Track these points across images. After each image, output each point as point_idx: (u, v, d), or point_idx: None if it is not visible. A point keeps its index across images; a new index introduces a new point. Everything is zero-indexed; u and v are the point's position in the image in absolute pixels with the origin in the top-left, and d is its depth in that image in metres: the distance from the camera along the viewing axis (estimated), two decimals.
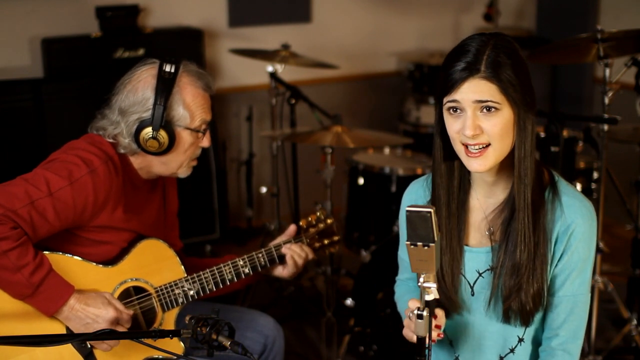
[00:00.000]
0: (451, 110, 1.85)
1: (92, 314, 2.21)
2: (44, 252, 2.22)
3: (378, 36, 5.22)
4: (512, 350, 1.98)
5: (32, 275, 2.13)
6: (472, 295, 1.98)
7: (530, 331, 1.97)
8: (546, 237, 1.89)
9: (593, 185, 3.73)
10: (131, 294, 2.37)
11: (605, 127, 3.19)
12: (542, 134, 3.08)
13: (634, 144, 3.83)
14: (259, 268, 2.50)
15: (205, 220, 4.35)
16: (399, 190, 3.67)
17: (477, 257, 1.97)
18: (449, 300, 1.98)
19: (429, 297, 1.66)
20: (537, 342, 1.99)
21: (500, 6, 4.98)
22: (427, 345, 1.70)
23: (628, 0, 4.97)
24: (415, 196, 2.07)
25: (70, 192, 2.19)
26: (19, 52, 4.27)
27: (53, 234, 2.23)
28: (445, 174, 1.96)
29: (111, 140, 2.34)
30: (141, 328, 2.37)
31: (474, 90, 1.80)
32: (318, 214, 2.64)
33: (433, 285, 1.66)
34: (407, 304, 1.86)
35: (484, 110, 1.81)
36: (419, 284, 1.66)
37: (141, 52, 4.21)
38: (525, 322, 1.93)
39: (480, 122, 1.82)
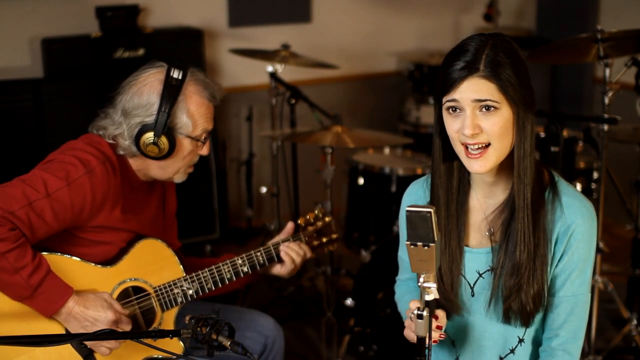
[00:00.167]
0: (450, 109, 1.85)
1: (91, 317, 2.21)
2: (43, 252, 2.22)
3: (378, 36, 5.22)
4: (512, 351, 1.98)
5: (30, 277, 2.13)
6: (472, 296, 1.98)
7: (530, 331, 1.97)
8: (546, 238, 1.89)
9: (593, 185, 3.73)
10: (130, 294, 2.37)
11: (605, 127, 3.19)
12: (542, 134, 3.08)
13: (634, 144, 3.83)
14: (258, 267, 2.50)
15: (205, 220, 4.35)
16: (399, 190, 3.67)
17: (477, 257, 1.97)
18: (449, 301, 1.98)
19: (429, 297, 1.66)
20: (537, 343, 1.99)
21: (500, 6, 4.98)
22: (427, 345, 1.70)
23: (628, 0, 4.97)
24: (415, 197, 2.07)
25: (68, 193, 2.19)
26: (19, 52, 4.27)
27: (51, 235, 2.23)
28: (445, 175, 1.96)
29: (110, 141, 2.34)
30: (141, 328, 2.37)
31: (473, 89, 1.80)
32: (316, 212, 2.64)
33: (433, 285, 1.66)
34: (408, 304, 1.86)
35: (483, 109, 1.81)
36: (419, 284, 1.66)
37: (141, 52, 4.21)
38: (526, 323, 1.93)
39: (479, 121, 1.82)
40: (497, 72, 1.80)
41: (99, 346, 2.23)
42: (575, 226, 1.88)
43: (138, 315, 2.36)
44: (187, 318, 1.96)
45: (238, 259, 2.47)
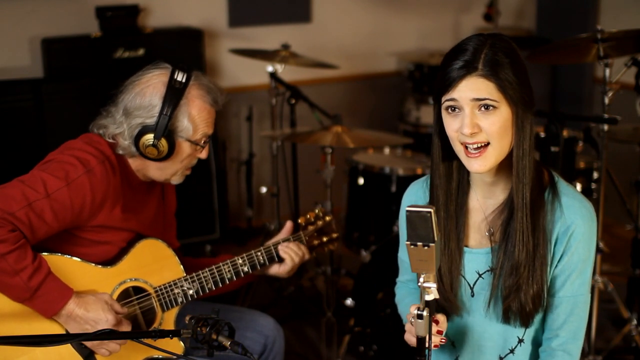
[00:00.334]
0: (449, 109, 1.85)
1: (91, 319, 2.21)
2: (43, 253, 2.22)
3: (378, 36, 5.22)
4: (512, 351, 1.98)
5: (30, 278, 2.13)
6: (472, 296, 1.98)
7: (530, 332, 1.97)
8: (546, 238, 1.89)
9: (593, 185, 3.73)
10: (130, 294, 2.37)
11: (605, 127, 3.19)
12: (542, 134, 3.08)
13: (634, 144, 3.83)
14: (258, 266, 2.50)
15: (205, 220, 4.35)
16: (399, 190, 3.67)
17: (477, 258, 1.97)
18: (448, 302, 1.98)
19: (429, 297, 1.66)
20: (537, 343, 1.99)
21: (500, 6, 4.98)
22: (427, 346, 1.70)
23: (628, 0, 4.97)
24: (415, 197, 2.07)
25: (68, 193, 2.19)
26: (19, 52, 4.27)
27: (51, 235, 2.23)
28: (444, 175, 1.96)
29: (110, 140, 2.34)
30: (141, 328, 2.37)
31: (471, 88, 1.80)
32: (317, 211, 2.64)
33: (433, 285, 1.66)
34: (408, 307, 1.86)
35: (482, 108, 1.81)
36: (419, 284, 1.66)
37: (141, 52, 4.21)
38: (525, 323, 1.93)
39: (478, 120, 1.82)
40: (495, 71, 1.80)
41: (99, 348, 2.23)
42: (575, 227, 1.88)
43: (138, 316, 2.36)
44: (187, 318, 1.96)
45: (238, 259, 2.47)
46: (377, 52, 5.25)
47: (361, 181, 3.88)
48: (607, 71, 3.13)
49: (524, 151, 1.85)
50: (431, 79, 4.87)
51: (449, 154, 1.93)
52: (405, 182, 3.16)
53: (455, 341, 2.04)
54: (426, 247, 1.61)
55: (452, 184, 1.97)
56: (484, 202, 1.97)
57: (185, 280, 2.41)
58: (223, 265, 2.45)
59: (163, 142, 2.29)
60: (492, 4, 4.92)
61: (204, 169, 4.22)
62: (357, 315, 3.50)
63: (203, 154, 2.40)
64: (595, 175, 3.73)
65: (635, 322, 3.43)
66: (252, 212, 4.90)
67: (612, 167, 3.55)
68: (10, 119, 3.88)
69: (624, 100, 3.36)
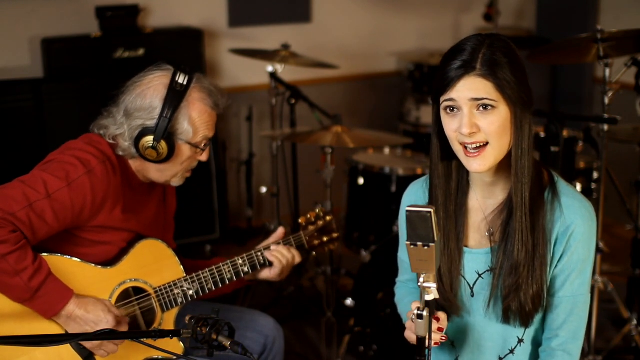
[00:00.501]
0: (448, 109, 1.85)
1: (91, 320, 2.21)
2: (43, 253, 2.22)
3: (378, 36, 5.22)
4: (511, 351, 1.98)
5: (30, 279, 2.13)
6: (472, 296, 1.98)
7: (530, 332, 1.97)
8: (545, 238, 1.89)
9: (593, 185, 3.73)
10: (130, 295, 2.37)
11: (605, 127, 3.19)
12: (542, 134, 3.08)
13: (634, 144, 3.83)
14: (259, 267, 2.50)
15: (205, 220, 4.35)
16: (399, 190, 3.67)
17: (476, 258, 1.97)
18: (448, 302, 1.98)
19: (429, 297, 1.66)
20: (536, 343, 1.99)
21: (500, 6, 4.98)
22: (427, 346, 1.70)
23: (628, 0, 4.97)
24: (415, 197, 2.07)
25: (68, 193, 2.19)
26: (19, 52, 4.27)
27: (52, 235, 2.23)
28: (443, 175, 1.96)
29: (111, 141, 2.34)
30: (141, 328, 2.37)
31: (469, 88, 1.80)
32: (317, 211, 2.64)
33: (433, 285, 1.66)
34: (408, 306, 1.86)
35: (481, 108, 1.81)
36: (419, 284, 1.66)
37: (141, 52, 4.21)
38: (525, 323, 1.93)
39: (477, 120, 1.82)
40: (494, 71, 1.80)
41: (98, 349, 2.23)
42: (575, 227, 1.88)
43: (138, 316, 2.36)
44: (187, 318, 1.96)
45: (238, 259, 2.47)
46: (377, 52, 5.25)
47: (361, 181, 3.88)
48: (607, 71, 3.13)
49: (523, 150, 1.85)
50: (431, 79, 4.86)
51: (448, 154, 1.93)
52: (405, 182, 3.16)
53: (455, 341, 2.04)
54: (426, 247, 1.61)
55: (452, 184, 1.97)
56: (483, 202, 1.97)
57: (185, 280, 2.40)
58: (223, 265, 2.45)
59: (163, 145, 2.29)
60: (492, 4, 4.92)
61: (204, 169, 4.22)
62: (357, 315, 3.50)
63: (203, 157, 2.40)
64: (595, 175, 3.73)
65: (635, 322, 3.43)
66: (252, 212, 4.90)
67: (612, 167, 3.55)
68: (10, 119, 3.88)
69: (624, 100, 3.36)
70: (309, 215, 2.63)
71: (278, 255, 2.50)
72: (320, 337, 3.59)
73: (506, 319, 1.93)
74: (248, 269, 2.48)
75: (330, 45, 5.01)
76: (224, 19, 4.77)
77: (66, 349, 2.23)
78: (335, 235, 2.66)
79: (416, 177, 2.39)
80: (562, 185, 1.94)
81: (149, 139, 2.28)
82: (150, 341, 2.03)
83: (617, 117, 3.06)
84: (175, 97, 2.28)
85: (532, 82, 1.88)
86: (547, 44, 3.76)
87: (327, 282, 3.49)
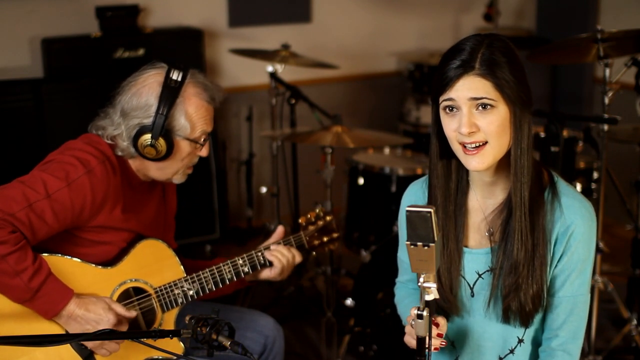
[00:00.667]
0: (447, 109, 1.85)
1: (92, 319, 2.21)
2: (43, 254, 2.22)
3: (378, 36, 5.22)
4: (511, 351, 1.98)
5: (30, 280, 2.13)
6: (472, 296, 1.98)
7: (530, 332, 1.97)
8: (545, 238, 1.89)
9: (593, 185, 3.73)
10: (131, 295, 2.37)
11: (605, 127, 3.19)
12: (542, 134, 3.08)
13: (634, 144, 3.83)
14: (259, 267, 2.50)
15: (205, 220, 4.35)
16: (399, 190, 3.67)
17: (476, 258, 1.97)
18: (448, 302, 1.98)
19: (428, 297, 1.66)
20: (536, 343, 1.99)
21: (500, 6, 4.98)
22: (427, 346, 1.70)
23: (628, 0, 4.97)
24: (415, 197, 2.07)
25: (68, 193, 2.19)
26: (19, 52, 4.27)
27: (52, 236, 2.22)
28: (442, 175, 1.96)
29: (109, 142, 2.34)
30: (141, 328, 2.37)
31: (468, 88, 1.80)
32: (317, 211, 2.64)
33: (433, 285, 1.66)
34: (407, 307, 1.86)
35: (480, 107, 1.81)
36: (419, 284, 1.66)
37: (141, 52, 4.21)
38: (525, 323, 1.93)
39: (476, 119, 1.82)
40: (492, 70, 1.80)
41: (99, 348, 2.23)
42: (575, 227, 1.88)
43: (138, 316, 2.36)
44: (187, 318, 1.96)
45: (239, 259, 2.47)
46: (377, 52, 5.25)
47: (361, 181, 3.88)
48: (607, 71, 3.13)
49: (522, 150, 1.85)
50: (431, 79, 4.86)
51: (447, 154, 1.93)
52: (405, 182, 3.16)
53: (455, 341, 2.04)
54: (426, 247, 1.61)
55: (451, 185, 1.97)
56: (483, 202, 1.97)
57: (186, 280, 2.40)
58: (223, 265, 2.45)
59: (161, 142, 2.29)
60: (492, 4, 4.93)
61: (204, 169, 4.22)
62: (357, 315, 3.50)
63: (203, 152, 2.40)
64: (595, 175, 3.73)
65: (635, 322, 3.43)
66: (252, 212, 4.90)
67: (612, 167, 3.55)
68: (10, 119, 3.88)
69: (624, 100, 3.36)
70: (309, 215, 2.63)
71: (278, 254, 2.50)
72: (320, 337, 3.59)
73: (506, 318, 1.93)
74: (248, 269, 2.48)
75: (330, 45, 5.01)
76: (224, 19, 4.77)
77: (66, 349, 2.23)
78: (335, 235, 2.66)
79: (416, 177, 2.39)
80: (562, 185, 1.94)
81: (147, 137, 2.28)
82: (150, 341, 2.03)
83: (617, 117, 3.06)
84: (170, 94, 2.28)
85: (532, 82, 1.88)
86: (547, 44, 3.76)
87: (327, 282, 3.49)
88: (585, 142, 3.58)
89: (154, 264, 2.39)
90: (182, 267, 2.43)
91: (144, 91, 2.29)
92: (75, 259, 2.28)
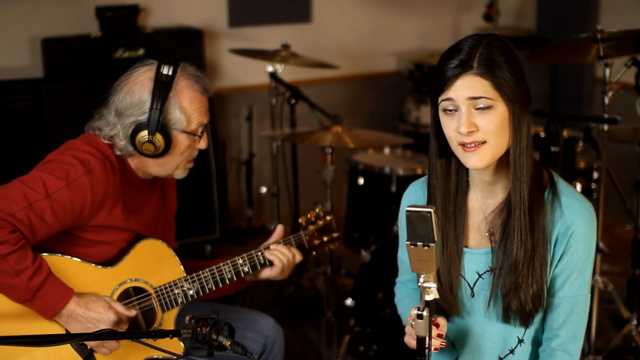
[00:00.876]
0: (446, 110, 1.85)
1: (93, 318, 2.21)
2: (43, 254, 2.22)
3: (378, 36, 5.22)
4: (511, 351, 1.98)
5: (30, 279, 2.13)
6: (472, 296, 1.98)
7: (530, 332, 1.97)
8: (545, 238, 1.89)
9: (593, 185, 3.73)
10: (131, 295, 2.37)
11: (605, 127, 3.19)
12: (542, 134, 3.08)
13: (634, 144, 3.83)
14: (259, 266, 2.50)
15: (205, 220, 4.35)
16: (399, 190, 3.67)
17: (477, 258, 1.97)
18: (448, 303, 1.98)
19: (428, 297, 1.66)
20: (536, 343, 1.99)
21: (500, 6, 4.98)
22: (427, 346, 1.70)
23: (628, 0, 4.97)
24: (415, 197, 2.07)
25: (68, 193, 2.19)
26: (19, 52, 4.27)
27: (52, 235, 2.22)
28: (442, 176, 1.96)
29: (107, 142, 2.34)
30: (141, 328, 2.37)
31: (467, 87, 1.81)
32: (317, 211, 2.64)
33: (433, 285, 1.66)
34: (408, 307, 1.86)
35: (479, 107, 1.81)
36: (419, 284, 1.66)
37: (141, 52, 4.21)
38: (525, 323, 1.93)
39: (475, 119, 1.82)
40: (491, 70, 1.80)
41: (100, 347, 2.23)
42: (575, 227, 1.88)
43: (139, 316, 2.36)
44: (187, 318, 1.96)
45: (239, 259, 2.47)
46: (377, 52, 5.25)
47: (361, 181, 3.88)
48: (607, 71, 3.13)
49: (521, 149, 1.85)
50: (431, 79, 4.86)
51: (446, 154, 1.93)
52: (405, 182, 3.16)
53: (455, 341, 2.04)
54: (426, 247, 1.61)
55: (451, 185, 1.97)
56: (483, 202, 1.97)
57: (186, 280, 2.40)
58: (223, 265, 2.45)
59: (158, 137, 2.29)
60: (492, 4, 4.92)
61: (204, 169, 4.22)
62: (357, 315, 3.50)
63: (202, 144, 2.40)
64: (595, 175, 3.73)
65: (635, 322, 3.43)
66: (252, 212, 4.90)
67: (612, 167, 3.55)
68: (10, 119, 3.88)
69: (624, 100, 3.36)
70: (309, 215, 2.63)
71: (278, 254, 2.50)
72: (320, 337, 3.59)
73: (506, 318, 1.93)
74: (248, 268, 2.48)
75: (330, 45, 5.01)
76: (224, 19, 4.77)
77: (66, 349, 2.23)
78: (335, 235, 2.66)
79: (416, 177, 2.39)
80: (562, 185, 1.94)
81: (144, 134, 2.28)
82: (150, 341, 2.03)
83: (617, 117, 3.06)
84: (162, 88, 2.28)
85: (532, 82, 1.88)
86: (547, 44, 3.76)
87: (327, 282, 3.49)
88: (585, 142, 3.58)
89: (154, 264, 2.39)
90: (182, 266, 2.43)
91: (136, 88, 2.30)
92: (75, 258, 2.28)
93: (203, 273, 2.42)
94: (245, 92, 4.81)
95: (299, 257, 2.55)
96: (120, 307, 2.26)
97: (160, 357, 2.34)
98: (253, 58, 4.11)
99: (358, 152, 4.05)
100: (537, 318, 1.94)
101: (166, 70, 2.29)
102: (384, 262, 3.50)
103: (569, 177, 3.36)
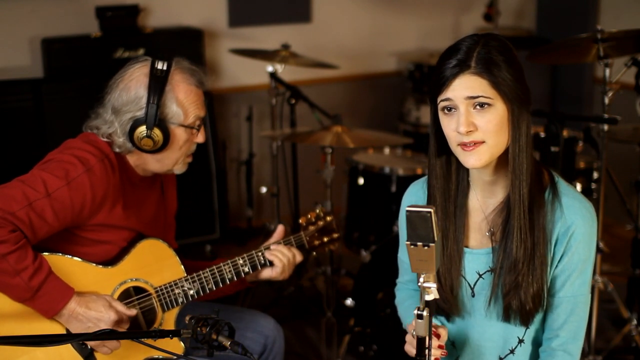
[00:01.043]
0: (445, 110, 1.85)
1: (93, 317, 2.21)
2: (44, 253, 2.22)
3: (378, 36, 5.22)
4: (512, 351, 1.98)
5: (31, 279, 2.13)
6: (473, 296, 1.98)
7: (530, 332, 1.97)
8: (546, 238, 1.89)
9: (593, 185, 3.73)
10: (131, 294, 2.37)
11: (605, 127, 3.19)
12: (542, 134, 3.08)
13: (634, 144, 3.83)
14: (259, 266, 2.50)
15: (205, 220, 4.35)
16: (399, 190, 3.67)
17: (477, 258, 1.97)
18: (448, 303, 1.98)
19: (429, 297, 1.66)
20: (537, 343, 1.99)
21: (500, 6, 4.98)
22: (427, 346, 1.70)
23: (628, 0, 4.97)
24: (415, 197, 2.07)
25: (68, 192, 2.19)
26: (19, 52, 4.27)
27: (52, 234, 2.23)
28: (441, 176, 1.96)
29: (106, 140, 2.34)
30: (141, 328, 2.37)
31: (465, 86, 1.81)
32: (317, 211, 2.64)
33: (433, 285, 1.66)
34: (408, 310, 1.86)
35: (477, 106, 1.81)
36: (419, 284, 1.66)
37: (141, 52, 4.20)
38: (525, 323, 1.93)
39: (473, 119, 1.82)
40: (489, 69, 1.80)
41: (101, 346, 2.23)
42: (575, 227, 1.88)
43: (139, 316, 2.36)
44: (187, 318, 1.96)
45: (239, 259, 2.47)
46: (377, 52, 5.24)
47: (361, 181, 3.88)
48: (607, 71, 3.13)
49: (521, 148, 1.85)
50: (430, 79, 4.86)
51: (445, 154, 1.93)
52: (405, 182, 3.16)
53: (456, 341, 2.04)
54: (426, 247, 1.61)
55: (451, 185, 1.97)
56: (483, 201, 1.97)
57: (186, 280, 2.40)
58: (224, 265, 2.45)
59: (157, 132, 2.29)
60: (492, 4, 4.92)
61: (204, 169, 4.22)
62: (357, 315, 3.50)
63: (200, 138, 2.40)
64: (595, 175, 3.73)
65: (635, 322, 3.43)
66: (252, 212, 4.90)
67: (612, 167, 3.55)
68: (10, 119, 3.88)
69: (624, 100, 3.36)
70: (309, 216, 2.63)
71: (278, 254, 2.50)
72: (320, 337, 3.59)
73: (506, 317, 1.93)
74: (249, 268, 2.48)
75: (330, 45, 5.01)
76: (224, 19, 4.77)
77: (67, 348, 2.23)
78: (335, 235, 2.66)
79: (416, 177, 2.39)
80: (562, 185, 1.94)
81: (142, 129, 2.28)
82: (150, 341, 2.03)
83: (617, 117, 3.06)
84: (158, 83, 2.28)
85: (532, 82, 1.88)
86: (547, 44, 3.75)
87: (327, 282, 3.49)
88: (585, 142, 3.58)
89: (155, 264, 2.39)
90: (182, 266, 2.43)
91: (132, 85, 2.30)
92: (75, 258, 2.28)
93: (203, 273, 2.42)
94: (245, 92, 4.81)
95: (299, 258, 2.55)
96: (120, 307, 2.26)
97: (161, 357, 2.34)
98: (253, 58, 4.12)
99: (358, 152, 4.05)
100: (538, 318, 1.94)
101: (160, 65, 2.30)
102: (384, 262, 3.50)
103: (569, 177, 3.36)
